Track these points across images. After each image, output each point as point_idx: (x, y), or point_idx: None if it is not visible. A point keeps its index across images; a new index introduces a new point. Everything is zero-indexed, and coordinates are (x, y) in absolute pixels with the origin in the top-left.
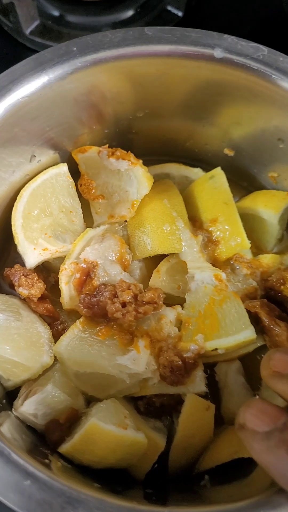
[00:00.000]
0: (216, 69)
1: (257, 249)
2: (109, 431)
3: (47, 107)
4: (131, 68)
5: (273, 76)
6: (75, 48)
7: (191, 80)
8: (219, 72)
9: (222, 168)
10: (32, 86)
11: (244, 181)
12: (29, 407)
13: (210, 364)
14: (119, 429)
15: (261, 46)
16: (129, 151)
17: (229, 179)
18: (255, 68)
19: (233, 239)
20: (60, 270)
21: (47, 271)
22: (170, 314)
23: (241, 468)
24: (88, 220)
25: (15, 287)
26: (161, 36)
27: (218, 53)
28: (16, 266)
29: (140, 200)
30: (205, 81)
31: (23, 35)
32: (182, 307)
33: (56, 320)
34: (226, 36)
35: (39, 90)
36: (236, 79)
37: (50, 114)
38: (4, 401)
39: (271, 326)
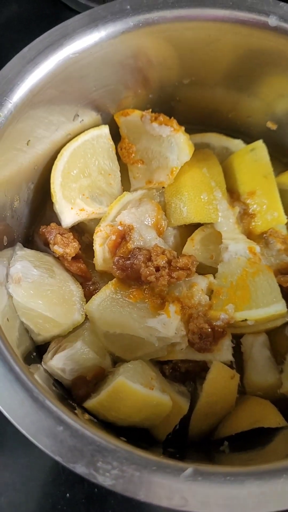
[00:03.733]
0: (269, 38)
1: None
2: (136, 390)
3: (96, 66)
4: (183, 32)
5: None
6: (128, 7)
7: (242, 48)
8: (271, 41)
9: (263, 142)
10: (83, 42)
11: (284, 157)
12: (58, 361)
13: (237, 335)
14: (145, 389)
15: None
16: (173, 118)
17: (269, 154)
18: None
19: (269, 213)
20: (95, 232)
21: (82, 231)
22: (202, 282)
23: (260, 437)
24: (126, 185)
25: (50, 245)
26: (217, 0)
27: (272, 21)
28: (52, 225)
29: (179, 167)
30: (257, 50)
31: None
32: (214, 277)
33: (88, 280)
34: (282, 4)
35: (90, 47)
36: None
37: (98, 74)
38: (35, 353)
39: None
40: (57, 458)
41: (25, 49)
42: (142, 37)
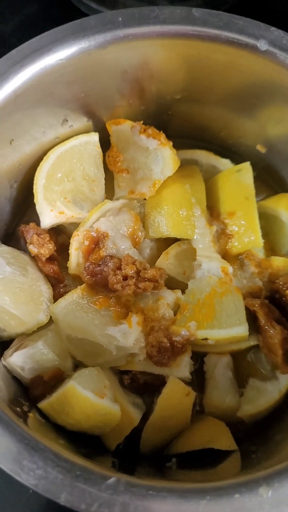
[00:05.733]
0: (259, 61)
1: (271, 250)
2: (86, 397)
3: (84, 73)
4: (173, 47)
5: None
6: (120, 19)
7: (233, 68)
8: (261, 65)
9: (253, 164)
10: (71, 49)
11: (273, 181)
12: (17, 359)
13: (202, 354)
14: (95, 397)
15: None
16: (161, 132)
17: (258, 176)
18: None
19: (247, 235)
20: (72, 236)
21: (61, 234)
22: (169, 297)
23: (210, 458)
24: (110, 193)
25: (27, 244)
26: (208, 19)
27: (262, 44)
28: (31, 224)
29: (162, 181)
30: (247, 72)
31: None
32: (183, 293)
33: (60, 283)
34: (273, 28)
35: (77, 54)
36: (277, 74)
37: (87, 81)
38: None
39: (266, 327)
40: None
41: (13, 52)
42: (132, 50)
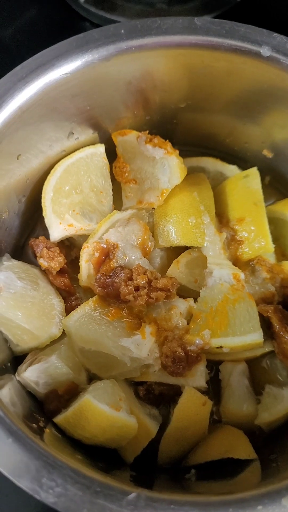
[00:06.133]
0: (262, 67)
1: (283, 255)
2: (102, 410)
3: (89, 87)
4: (176, 57)
5: None
6: (122, 31)
7: (236, 75)
8: (264, 71)
9: (260, 170)
10: (75, 64)
11: (281, 186)
12: (31, 373)
13: (217, 362)
14: (111, 410)
15: None
16: (167, 140)
17: (267, 182)
18: None
19: (257, 241)
20: (82, 248)
21: (72, 246)
22: (181, 306)
23: (230, 468)
24: (118, 204)
25: (37, 258)
26: (210, 27)
27: (265, 51)
28: (41, 238)
29: (170, 190)
30: (250, 78)
31: (77, 3)
32: (195, 301)
33: (71, 295)
34: (275, 34)
35: (81, 68)
36: (281, 80)
37: (91, 94)
38: (9, 364)
39: (281, 332)
40: (2, 469)
41: (18, 68)
42: (136, 61)
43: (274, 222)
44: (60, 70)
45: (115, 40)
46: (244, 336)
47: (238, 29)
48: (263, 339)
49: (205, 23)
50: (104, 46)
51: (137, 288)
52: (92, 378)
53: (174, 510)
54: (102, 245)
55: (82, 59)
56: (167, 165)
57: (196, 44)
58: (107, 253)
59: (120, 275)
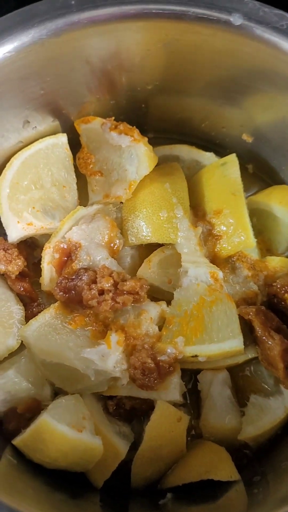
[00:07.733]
0: (234, 39)
1: (268, 250)
2: (61, 433)
3: (40, 67)
4: (136, 31)
5: None
6: (73, 2)
7: (206, 50)
8: (237, 43)
9: (241, 157)
10: (19, 40)
11: (263, 173)
12: None
13: (195, 371)
14: (72, 431)
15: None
16: (134, 127)
17: (251, 170)
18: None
19: (236, 235)
20: (43, 248)
21: (34, 247)
22: (152, 310)
23: (210, 490)
24: (85, 199)
25: None
26: None
27: (235, 19)
28: None
29: (138, 181)
30: (223, 53)
31: None
32: (169, 304)
33: (33, 301)
34: (247, 0)
35: (27, 46)
36: (256, 52)
37: (43, 76)
38: None
39: (264, 337)
40: None
41: None
42: (90, 37)
43: (257, 214)
44: (3, 49)
45: (65, 13)
46: (222, 343)
47: None
48: (243, 346)
49: None
50: (52, 20)
51: (101, 292)
52: (57, 392)
53: None
54: (62, 245)
55: (27, 35)
56: (134, 154)
57: (157, 14)
58: (68, 254)
59: (83, 278)
